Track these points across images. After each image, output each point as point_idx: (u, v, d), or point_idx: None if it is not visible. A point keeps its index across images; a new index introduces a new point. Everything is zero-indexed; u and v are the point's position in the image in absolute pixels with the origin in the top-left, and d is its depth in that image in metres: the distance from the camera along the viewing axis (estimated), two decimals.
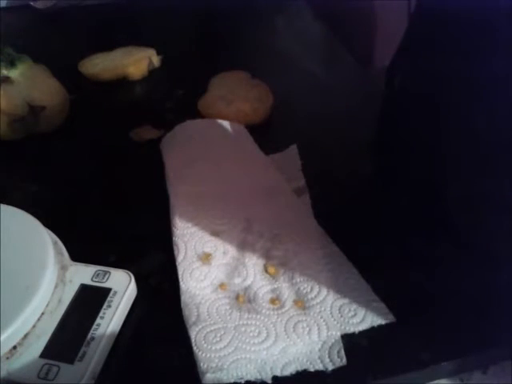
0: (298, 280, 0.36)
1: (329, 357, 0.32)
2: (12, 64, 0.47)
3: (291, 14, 0.73)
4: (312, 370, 0.31)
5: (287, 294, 0.35)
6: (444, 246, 0.39)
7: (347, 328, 0.33)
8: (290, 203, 0.42)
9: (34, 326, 0.31)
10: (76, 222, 0.42)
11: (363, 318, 0.33)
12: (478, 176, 0.37)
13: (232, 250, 0.38)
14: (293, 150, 0.48)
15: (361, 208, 0.42)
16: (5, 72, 0.47)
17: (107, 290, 0.34)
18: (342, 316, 0.34)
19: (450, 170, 0.39)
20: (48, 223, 0.36)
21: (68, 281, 0.35)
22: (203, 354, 0.32)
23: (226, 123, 0.49)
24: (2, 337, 0.30)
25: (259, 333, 0.33)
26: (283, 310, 0.34)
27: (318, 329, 0.33)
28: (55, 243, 0.36)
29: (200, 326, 0.33)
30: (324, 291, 0.35)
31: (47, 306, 0.32)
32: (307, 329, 0.33)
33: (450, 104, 0.38)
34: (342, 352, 0.32)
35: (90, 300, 0.34)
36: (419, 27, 0.42)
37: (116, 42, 0.62)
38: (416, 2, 0.43)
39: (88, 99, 0.56)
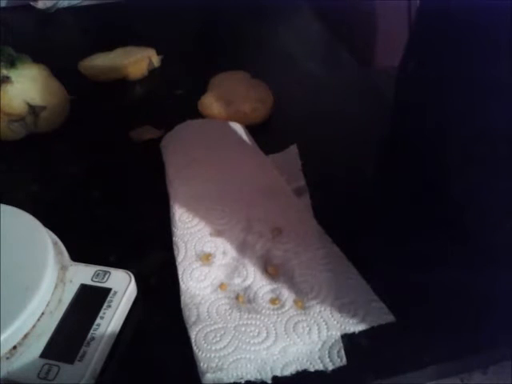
0: (298, 280, 0.36)
1: (329, 357, 0.32)
2: (12, 64, 0.47)
3: (291, 14, 0.73)
4: (312, 369, 0.31)
5: (287, 294, 0.35)
6: (444, 246, 0.39)
7: (347, 328, 0.33)
8: (290, 203, 0.42)
9: (33, 326, 0.31)
10: (76, 221, 0.42)
11: (363, 318, 0.33)
12: (480, 176, 0.37)
13: (232, 250, 0.38)
14: (293, 150, 0.48)
15: (361, 208, 0.42)
16: (5, 72, 0.47)
17: (107, 290, 0.34)
18: (341, 316, 0.34)
19: (453, 170, 0.39)
20: (48, 223, 0.36)
21: (68, 281, 0.35)
22: (203, 354, 0.32)
23: (226, 123, 0.49)
24: (2, 337, 0.30)
25: (259, 333, 0.33)
26: (283, 310, 0.34)
27: (318, 329, 0.33)
28: (55, 243, 0.36)
29: (200, 326, 0.33)
30: (324, 291, 0.35)
31: (47, 305, 0.32)
32: (307, 329, 0.33)
33: (457, 103, 0.38)
34: (342, 352, 0.32)
35: (89, 300, 0.34)
36: (428, 28, 0.42)
37: (116, 42, 0.62)
38: (421, 2, 0.43)
39: (88, 99, 0.56)
